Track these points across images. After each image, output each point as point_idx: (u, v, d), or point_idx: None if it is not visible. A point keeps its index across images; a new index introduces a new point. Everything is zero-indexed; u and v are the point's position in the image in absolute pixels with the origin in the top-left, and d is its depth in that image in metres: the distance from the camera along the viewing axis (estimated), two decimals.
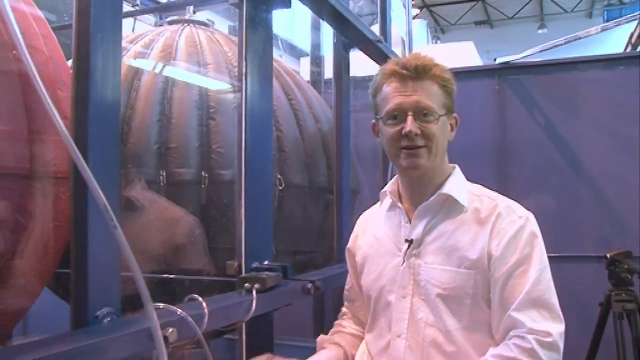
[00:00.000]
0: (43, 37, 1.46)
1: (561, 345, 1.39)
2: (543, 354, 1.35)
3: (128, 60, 2.55)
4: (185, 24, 2.93)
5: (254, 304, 1.50)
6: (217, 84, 2.50)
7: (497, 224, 1.50)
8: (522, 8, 20.19)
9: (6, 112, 1.22)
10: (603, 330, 3.20)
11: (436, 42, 18.20)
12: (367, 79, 3.66)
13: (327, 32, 4.66)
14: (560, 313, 1.44)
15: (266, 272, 1.66)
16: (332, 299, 3.07)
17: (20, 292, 1.44)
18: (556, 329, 1.39)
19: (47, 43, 1.48)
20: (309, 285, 1.85)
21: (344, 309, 1.91)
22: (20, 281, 1.42)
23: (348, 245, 1.86)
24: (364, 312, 1.79)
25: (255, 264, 1.78)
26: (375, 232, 1.73)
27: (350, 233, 2.49)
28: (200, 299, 1.36)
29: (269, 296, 1.62)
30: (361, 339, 1.79)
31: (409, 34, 3.76)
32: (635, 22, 6.65)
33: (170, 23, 3.08)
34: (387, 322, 1.60)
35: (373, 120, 1.64)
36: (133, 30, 3.39)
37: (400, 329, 1.55)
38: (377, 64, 3.13)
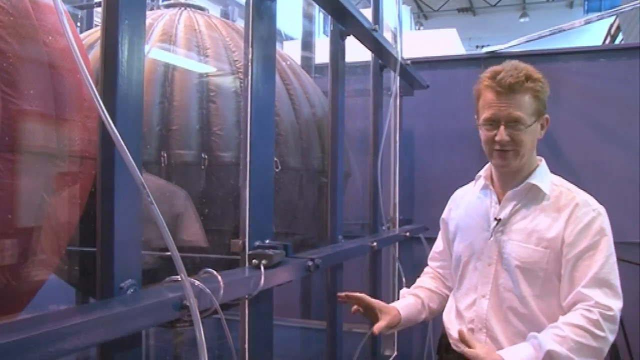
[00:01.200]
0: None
1: (618, 318, 1.66)
2: (605, 325, 1.62)
3: None
4: (183, 8, 2.98)
5: (262, 279, 1.59)
6: (218, 69, 2.57)
7: (574, 214, 1.77)
8: None
9: (36, 94, 1.29)
10: None
11: (419, 29, 18.27)
12: (356, 65, 3.77)
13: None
14: (620, 292, 1.70)
15: (271, 249, 1.75)
16: (322, 279, 3.16)
17: (40, 265, 1.51)
18: (617, 305, 1.67)
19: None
20: (310, 263, 1.94)
21: (427, 269, 2.27)
22: (41, 255, 1.50)
23: (443, 216, 2.20)
24: (448, 271, 2.14)
25: (257, 242, 1.86)
26: (467, 208, 2.04)
27: (343, 214, 2.61)
28: (214, 272, 1.44)
29: (275, 272, 1.71)
30: (438, 295, 2.15)
31: (399, 22, 3.83)
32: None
33: (167, 6, 3.12)
34: (474, 284, 1.91)
35: (475, 117, 1.92)
36: None
37: (485, 291, 1.86)
38: (370, 52, 3.21)
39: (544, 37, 4.22)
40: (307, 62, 4.47)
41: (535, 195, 1.85)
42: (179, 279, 1.37)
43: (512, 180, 1.88)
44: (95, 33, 2.85)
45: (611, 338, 1.64)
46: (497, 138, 1.76)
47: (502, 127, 1.76)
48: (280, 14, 2.06)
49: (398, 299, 2.22)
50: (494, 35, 16.89)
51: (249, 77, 1.86)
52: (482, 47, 13.39)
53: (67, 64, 1.41)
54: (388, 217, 3.62)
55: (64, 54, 1.39)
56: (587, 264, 1.70)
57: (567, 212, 1.78)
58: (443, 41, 8.35)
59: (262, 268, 1.64)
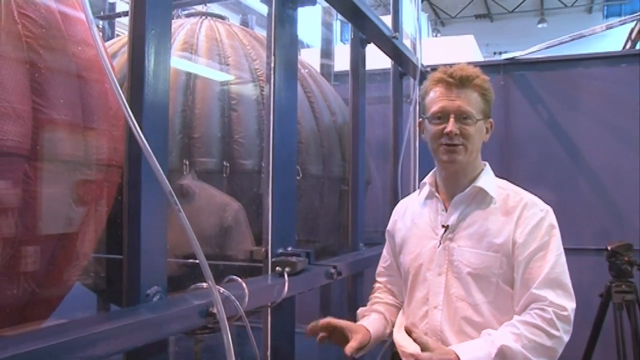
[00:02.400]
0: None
1: (572, 319, 1.64)
2: (559, 325, 1.61)
3: None
4: (204, 17, 3.01)
5: (286, 286, 1.60)
6: (239, 77, 2.58)
7: (523, 214, 1.73)
8: (523, 2, 20.21)
9: (65, 104, 1.31)
10: (603, 321, 3.29)
11: (436, 35, 18.23)
12: (375, 73, 3.77)
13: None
14: (572, 292, 1.68)
15: (295, 257, 1.75)
16: (341, 286, 3.15)
17: (68, 271, 1.53)
18: (570, 305, 1.65)
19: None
20: (332, 270, 1.94)
21: (377, 285, 2.15)
22: (68, 262, 1.51)
23: (388, 228, 2.10)
24: (397, 285, 2.05)
25: (280, 250, 1.86)
26: (413, 217, 1.96)
27: (364, 222, 2.59)
28: (239, 279, 1.45)
29: (299, 279, 1.71)
30: (397, 307, 2.05)
31: (419, 29, 3.83)
32: None
33: (188, 16, 3.16)
34: (425, 295, 1.84)
35: (420, 119, 1.87)
36: None
37: (437, 302, 1.79)
38: (390, 59, 3.22)
39: (564, 42, 4.19)
40: (326, 70, 4.48)
41: (482, 199, 1.80)
42: (204, 286, 1.38)
43: (457, 184, 1.83)
44: (116, 43, 2.88)
45: (565, 338, 1.63)
46: (446, 130, 1.72)
47: (451, 120, 1.73)
48: (299, 22, 2.07)
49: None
50: (511, 42, 16.78)
51: (272, 84, 1.88)
52: (500, 53, 13.32)
53: (94, 74, 1.43)
54: None
55: (91, 64, 1.41)
56: (539, 264, 1.68)
57: (516, 213, 1.75)
58: (460, 48, 8.31)
59: (285, 275, 1.65)
